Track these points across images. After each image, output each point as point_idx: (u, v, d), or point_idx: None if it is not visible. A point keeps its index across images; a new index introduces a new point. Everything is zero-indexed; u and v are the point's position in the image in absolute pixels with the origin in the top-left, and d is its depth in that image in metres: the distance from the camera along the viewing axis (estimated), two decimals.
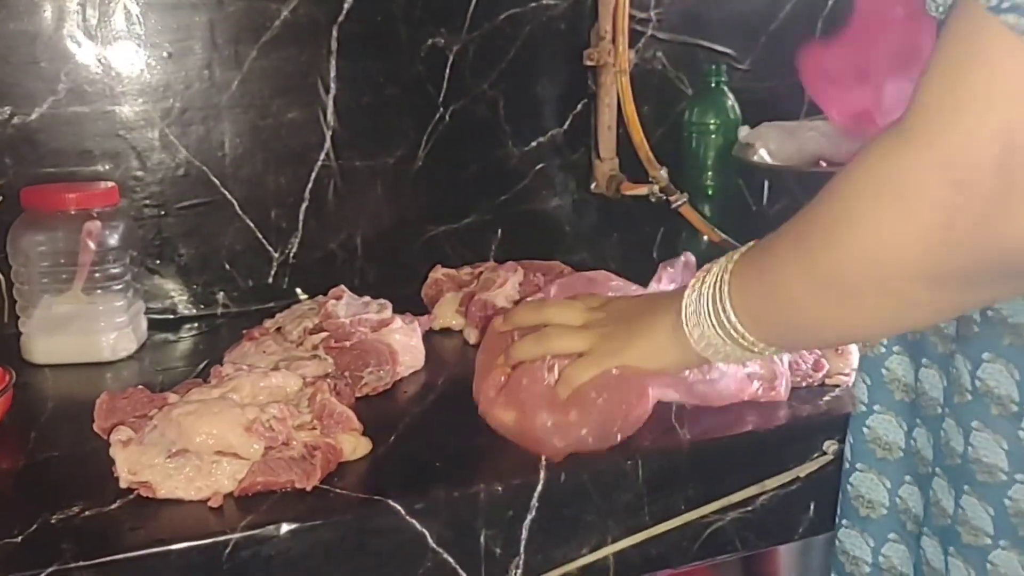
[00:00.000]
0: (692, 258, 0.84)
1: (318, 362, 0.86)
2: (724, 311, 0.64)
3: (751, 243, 0.66)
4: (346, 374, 0.84)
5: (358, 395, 0.83)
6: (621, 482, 0.73)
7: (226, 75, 1.09)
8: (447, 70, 1.17)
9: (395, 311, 0.96)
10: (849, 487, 0.70)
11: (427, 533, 0.67)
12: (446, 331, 1.03)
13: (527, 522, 0.70)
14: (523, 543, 0.71)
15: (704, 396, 0.77)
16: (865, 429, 0.69)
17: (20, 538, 0.63)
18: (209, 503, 0.66)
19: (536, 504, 0.70)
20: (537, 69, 1.22)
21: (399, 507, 0.66)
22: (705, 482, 0.75)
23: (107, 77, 1.05)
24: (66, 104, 1.05)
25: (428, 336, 0.98)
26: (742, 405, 0.80)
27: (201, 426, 0.68)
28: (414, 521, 0.67)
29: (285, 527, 0.64)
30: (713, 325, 0.65)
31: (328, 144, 1.13)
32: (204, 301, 1.13)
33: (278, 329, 0.94)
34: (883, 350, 0.67)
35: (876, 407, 0.68)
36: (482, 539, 0.69)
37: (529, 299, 0.87)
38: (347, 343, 0.87)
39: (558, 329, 0.74)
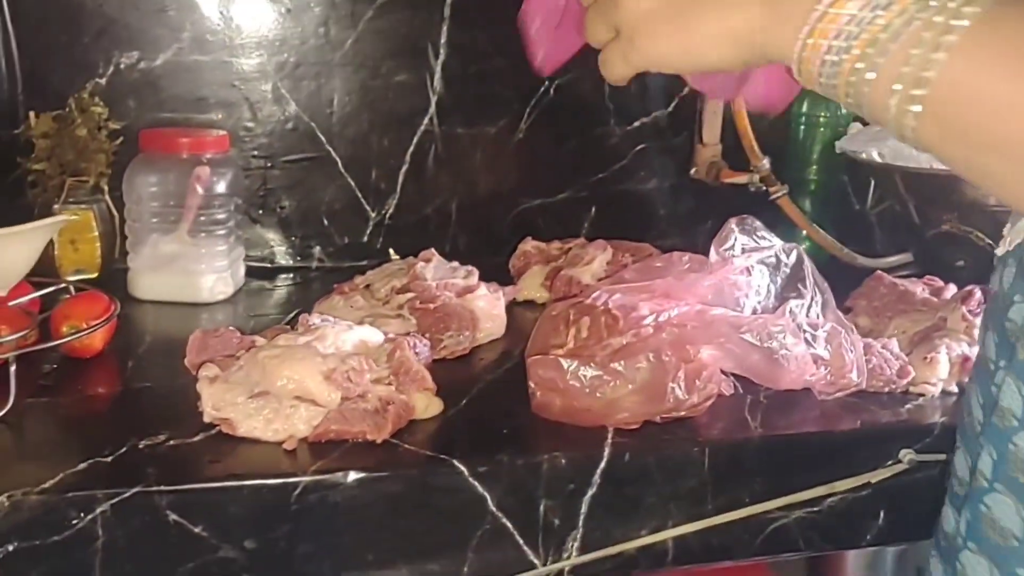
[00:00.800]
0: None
1: (402, 321, 0.88)
2: (919, 66, 0.42)
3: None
4: (427, 335, 0.86)
5: (436, 357, 0.85)
6: (687, 468, 0.73)
7: (341, 33, 1.12)
8: None
9: (482, 279, 0.97)
10: (958, 565, 0.60)
11: (488, 496, 0.69)
12: (529, 303, 1.04)
13: (587, 497, 0.71)
14: (582, 517, 0.71)
15: (761, 373, 0.76)
16: (983, 507, 0.59)
17: (111, 458, 0.67)
18: (284, 445, 0.69)
19: (598, 480, 0.71)
20: None
21: (463, 467, 0.68)
22: (772, 477, 0.74)
23: (228, 28, 1.09)
24: (188, 52, 1.09)
25: (511, 306, 0.99)
26: (819, 403, 0.79)
27: (283, 370, 0.70)
28: (477, 483, 0.68)
29: (353, 475, 0.66)
30: (854, 65, 0.44)
31: (432, 109, 1.15)
32: (301, 253, 1.16)
33: (367, 286, 0.97)
34: (1015, 423, 0.56)
35: (998, 485, 0.58)
36: (542, 508, 0.70)
37: None
38: (431, 305, 0.89)
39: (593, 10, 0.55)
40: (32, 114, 1.02)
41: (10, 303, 0.83)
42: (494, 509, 0.69)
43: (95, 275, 1.04)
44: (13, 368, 0.72)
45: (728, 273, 0.78)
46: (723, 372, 0.80)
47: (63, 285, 0.90)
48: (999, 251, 0.63)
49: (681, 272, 0.79)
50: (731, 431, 0.75)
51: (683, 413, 0.74)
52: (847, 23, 0.44)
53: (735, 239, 0.81)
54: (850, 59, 0.44)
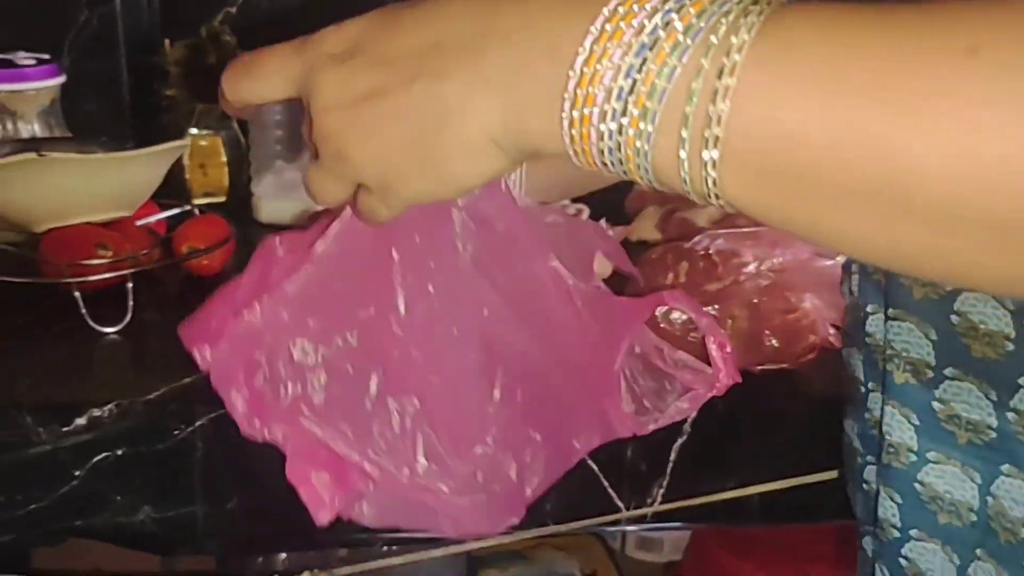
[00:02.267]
0: None
1: None
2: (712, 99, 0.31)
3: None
4: None
5: None
6: (781, 422, 0.70)
7: None
8: None
9: (595, 216, 0.95)
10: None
11: None
12: (643, 243, 1.02)
13: (677, 445, 0.70)
14: (670, 465, 0.70)
15: None
16: (903, 561, 0.53)
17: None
18: None
19: (688, 430, 0.69)
20: None
21: None
22: None
23: None
24: None
25: (624, 246, 0.96)
26: None
27: None
28: None
29: None
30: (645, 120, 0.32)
31: None
32: None
33: None
34: (915, 458, 0.51)
35: (914, 532, 0.53)
36: (629, 453, 0.70)
37: None
38: None
39: None
40: (167, 42, 1.06)
41: (137, 223, 0.87)
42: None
43: (223, 199, 1.08)
44: (130, 285, 0.76)
45: None
46: (834, 325, 0.76)
47: (188, 208, 0.94)
48: (842, 256, 0.54)
49: None
50: (833, 387, 0.71)
51: (784, 365, 0.71)
52: (613, 78, 0.32)
53: None
54: (632, 121, 0.32)
